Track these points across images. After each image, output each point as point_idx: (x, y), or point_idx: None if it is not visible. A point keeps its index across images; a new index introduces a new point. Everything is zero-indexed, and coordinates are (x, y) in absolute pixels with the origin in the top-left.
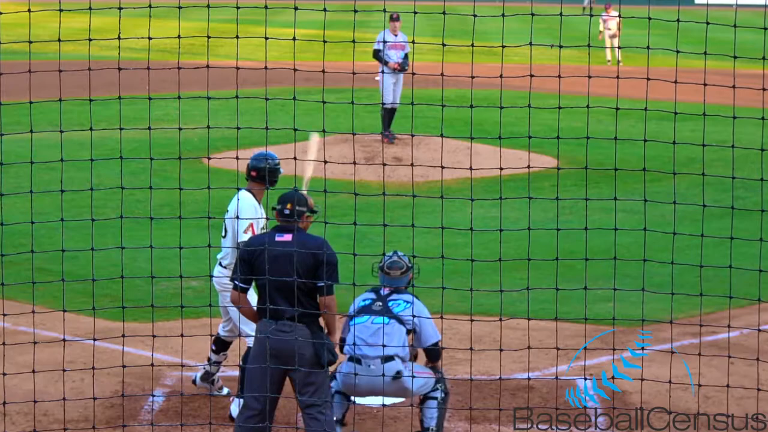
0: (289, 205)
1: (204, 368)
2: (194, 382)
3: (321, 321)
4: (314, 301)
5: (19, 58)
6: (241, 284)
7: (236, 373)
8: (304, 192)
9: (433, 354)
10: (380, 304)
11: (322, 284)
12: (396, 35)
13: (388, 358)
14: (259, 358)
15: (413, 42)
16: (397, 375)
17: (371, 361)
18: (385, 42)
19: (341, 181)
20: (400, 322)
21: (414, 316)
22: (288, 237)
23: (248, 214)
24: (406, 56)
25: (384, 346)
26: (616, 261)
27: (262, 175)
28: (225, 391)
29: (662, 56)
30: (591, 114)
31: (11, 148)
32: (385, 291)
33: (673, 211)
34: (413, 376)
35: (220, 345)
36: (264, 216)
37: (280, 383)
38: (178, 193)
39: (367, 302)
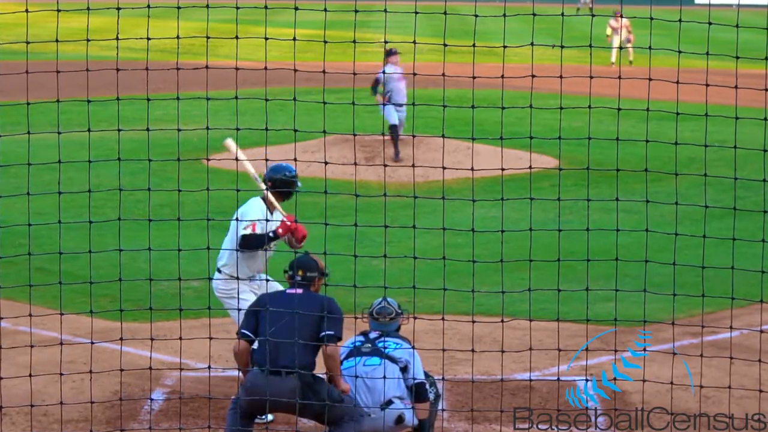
0: (300, 272)
1: None
2: None
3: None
4: (314, 357)
5: (17, 58)
6: (248, 333)
7: (236, 373)
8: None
9: (421, 394)
10: (369, 345)
11: (325, 334)
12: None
13: (387, 403)
14: (240, 408)
15: (414, 42)
16: (399, 420)
17: (371, 410)
18: (384, 72)
19: (341, 182)
20: (393, 360)
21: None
22: (299, 291)
23: (252, 215)
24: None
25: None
26: (617, 262)
27: (277, 186)
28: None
29: (663, 56)
30: (591, 114)
31: (11, 149)
32: (373, 334)
33: (675, 212)
34: (413, 407)
35: None
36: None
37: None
38: (178, 193)
39: (356, 344)
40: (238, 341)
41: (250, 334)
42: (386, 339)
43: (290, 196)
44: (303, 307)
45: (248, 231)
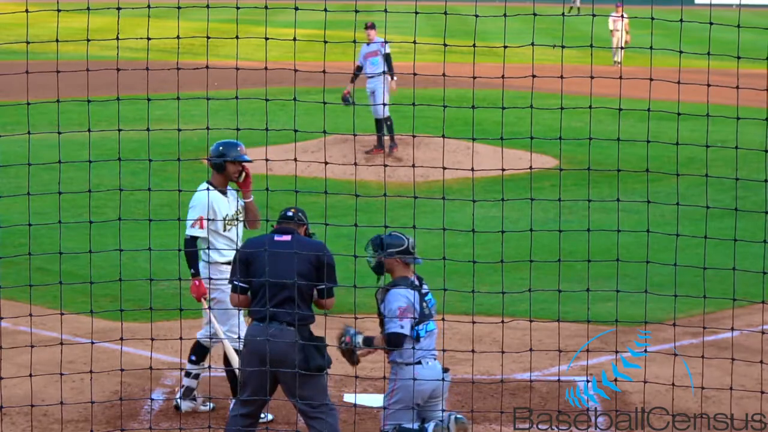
0: (293, 210)
1: (184, 385)
2: (178, 408)
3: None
4: (309, 305)
5: (17, 58)
6: (241, 284)
7: (236, 372)
8: None
9: None
10: (429, 303)
11: (323, 287)
12: (369, 44)
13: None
14: (250, 362)
15: (414, 42)
16: (446, 369)
17: (429, 359)
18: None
19: (341, 181)
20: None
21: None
22: (287, 238)
23: (197, 208)
24: (386, 58)
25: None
26: (618, 263)
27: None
28: (210, 405)
29: (662, 56)
30: (591, 114)
31: (11, 149)
32: (418, 282)
33: (674, 212)
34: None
35: (201, 353)
36: (234, 209)
37: (271, 386)
38: (178, 193)
39: (419, 305)
40: (236, 295)
41: (244, 285)
42: (426, 289)
43: (221, 170)
44: (297, 254)
45: (195, 229)
